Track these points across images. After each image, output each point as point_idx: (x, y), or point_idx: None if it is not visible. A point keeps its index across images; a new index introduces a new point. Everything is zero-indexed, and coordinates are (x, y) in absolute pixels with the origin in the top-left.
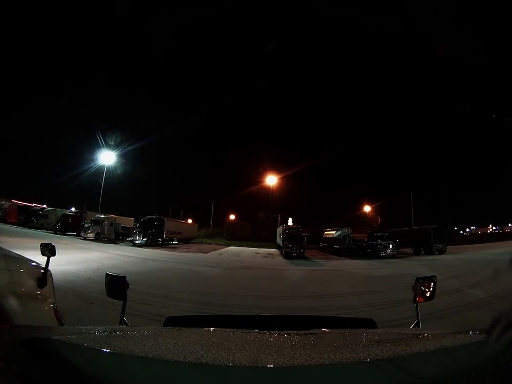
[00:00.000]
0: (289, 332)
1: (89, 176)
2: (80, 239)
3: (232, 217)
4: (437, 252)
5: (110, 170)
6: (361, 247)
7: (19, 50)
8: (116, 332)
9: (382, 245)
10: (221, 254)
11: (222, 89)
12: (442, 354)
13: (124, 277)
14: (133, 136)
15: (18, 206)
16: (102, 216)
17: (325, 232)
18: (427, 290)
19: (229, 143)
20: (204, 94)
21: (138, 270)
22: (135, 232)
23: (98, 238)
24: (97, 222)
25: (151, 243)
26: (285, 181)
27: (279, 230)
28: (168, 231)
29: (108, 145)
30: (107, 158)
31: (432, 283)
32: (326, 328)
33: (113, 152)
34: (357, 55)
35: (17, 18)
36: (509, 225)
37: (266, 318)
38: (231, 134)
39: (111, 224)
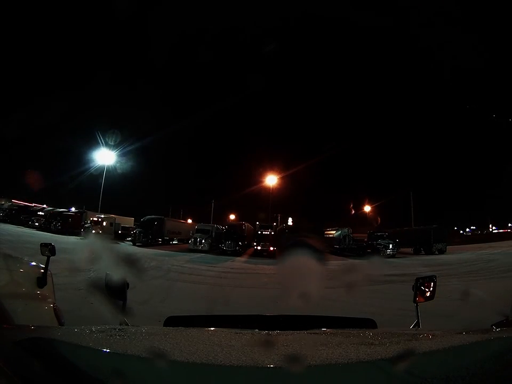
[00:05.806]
0: (290, 331)
1: (89, 176)
2: (80, 238)
3: (232, 217)
4: (437, 252)
5: (110, 170)
6: (361, 247)
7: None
8: (116, 332)
9: (382, 244)
10: None
11: (222, 89)
12: (442, 354)
13: (124, 277)
14: (133, 136)
15: (19, 206)
16: (102, 216)
17: (325, 232)
18: (427, 290)
19: (230, 142)
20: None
21: None
22: (135, 232)
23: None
24: (97, 222)
25: (151, 243)
26: (285, 181)
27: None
28: (168, 230)
29: (108, 145)
30: (107, 157)
31: (432, 283)
32: (326, 328)
33: (113, 151)
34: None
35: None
36: (509, 225)
37: (267, 318)
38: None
39: (111, 224)
